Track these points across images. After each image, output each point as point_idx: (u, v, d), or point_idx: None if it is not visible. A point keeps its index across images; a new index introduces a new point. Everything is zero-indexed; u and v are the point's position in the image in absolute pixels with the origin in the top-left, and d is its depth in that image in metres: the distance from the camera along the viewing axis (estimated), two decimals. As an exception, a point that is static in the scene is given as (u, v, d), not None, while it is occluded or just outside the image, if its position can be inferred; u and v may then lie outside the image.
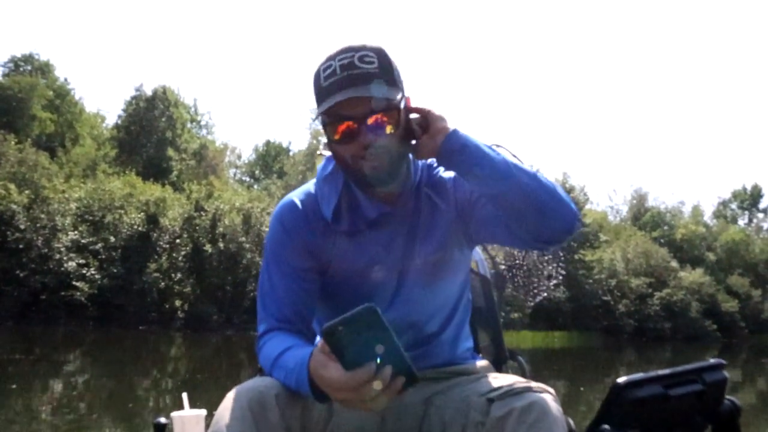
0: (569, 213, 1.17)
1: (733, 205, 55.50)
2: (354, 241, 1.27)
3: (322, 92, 1.17)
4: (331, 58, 1.17)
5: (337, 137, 1.18)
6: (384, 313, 0.97)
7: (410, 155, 1.29)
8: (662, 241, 40.54)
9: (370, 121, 1.15)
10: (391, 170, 1.18)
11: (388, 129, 1.16)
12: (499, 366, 1.70)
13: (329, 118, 1.17)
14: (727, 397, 1.25)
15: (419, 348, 1.32)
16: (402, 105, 1.20)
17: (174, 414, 2.05)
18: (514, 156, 1.22)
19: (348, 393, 0.97)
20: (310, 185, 1.32)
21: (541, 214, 1.16)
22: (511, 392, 1.11)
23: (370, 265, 1.27)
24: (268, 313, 1.25)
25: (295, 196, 1.31)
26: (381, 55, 1.17)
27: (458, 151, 1.15)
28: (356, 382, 0.95)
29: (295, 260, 1.26)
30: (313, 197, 1.29)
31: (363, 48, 1.17)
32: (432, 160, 1.34)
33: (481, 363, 1.42)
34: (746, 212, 55.26)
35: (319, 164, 1.35)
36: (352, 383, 0.95)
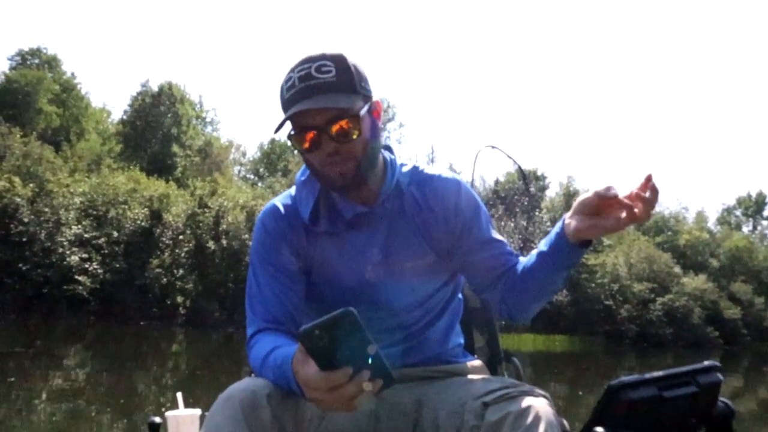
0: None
1: (738, 212, 55.33)
2: (335, 241, 1.29)
3: (284, 104, 1.20)
4: (292, 70, 1.20)
5: (305, 146, 1.20)
6: (369, 312, 0.97)
7: (390, 156, 1.33)
8: (665, 246, 40.41)
9: (333, 129, 1.17)
10: (358, 174, 1.21)
11: (353, 135, 1.18)
12: (494, 367, 1.70)
13: (294, 129, 1.20)
14: (721, 399, 1.25)
15: (406, 343, 1.33)
16: (366, 109, 1.21)
17: (168, 413, 2.05)
18: (509, 157, 1.23)
19: (322, 393, 0.97)
20: (292, 189, 1.36)
21: (535, 305, 1.31)
22: (506, 396, 1.11)
23: (353, 264, 1.29)
24: (256, 315, 1.27)
25: (278, 200, 1.35)
26: (339, 62, 1.19)
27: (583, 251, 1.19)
28: (331, 384, 0.96)
29: (280, 261, 1.29)
30: (294, 199, 1.33)
31: (322, 57, 1.18)
32: (417, 162, 1.37)
33: (474, 363, 1.42)
34: (750, 219, 55.09)
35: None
36: (327, 385, 0.96)
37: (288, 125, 1.21)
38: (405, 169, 1.34)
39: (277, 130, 1.21)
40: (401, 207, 1.30)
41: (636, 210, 1.08)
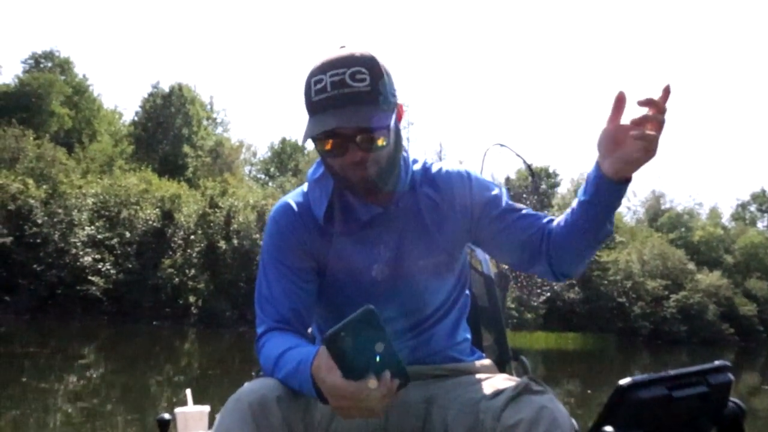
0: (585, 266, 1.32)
1: (752, 208, 54.74)
2: (350, 241, 1.28)
3: (311, 106, 1.16)
4: (323, 70, 1.14)
5: (327, 148, 1.18)
6: (381, 310, 0.98)
7: (404, 154, 1.30)
8: (679, 243, 40.10)
9: (361, 139, 1.15)
10: (380, 180, 1.19)
11: (379, 142, 1.16)
12: (502, 366, 1.70)
13: (319, 132, 1.17)
14: (732, 399, 1.23)
15: (414, 340, 1.32)
16: (393, 118, 1.19)
17: (177, 410, 2.05)
18: (518, 155, 1.22)
19: (349, 401, 0.99)
20: (304, 186, 1.33)
21: (587, 256, 1.26)
22: (520, 399, 1.10)
23: (368, 264, 1.27)
24: (266, 315, 1.26)
25: (290, 197, 1.32)
26: (374, 70, 1.14)
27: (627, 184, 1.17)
28: (360, 392, 0.97)
29: (292, 261, 1.27)
30: (306, 198, 1.30)
31: (355, 62, 1.13)
32: (427, 158, 1.35)
33: (483, 362, 1.41)
34: (765, 215, 54.50)
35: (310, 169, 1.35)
36: (355, 395, 0.98)
37: (307, 121, 1.18)
38: (416, 166, 1.33)
39: (305, 140, 1.17)
40: (415, 205, 1.29)
41: (649, 119, 1.08)
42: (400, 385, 1.00)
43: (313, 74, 1.16)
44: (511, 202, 1.33)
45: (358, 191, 1.22)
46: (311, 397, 1.07)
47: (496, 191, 1.32)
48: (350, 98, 1.12)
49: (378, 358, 0.97)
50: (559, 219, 1.27)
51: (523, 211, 1.31)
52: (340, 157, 1.16)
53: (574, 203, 1.21)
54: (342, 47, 1.17)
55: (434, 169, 1.33)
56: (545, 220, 1.30)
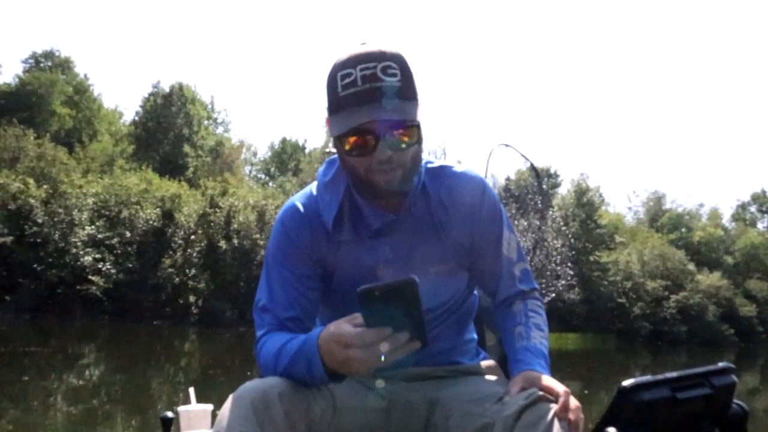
0: None
1: (752, 208, 54.69)
2: (359, 248, 1.25)
3: (339, 101, 1.12)
4: (351, 64, 1.10)
5: (348, 148, 1.14)
6: None
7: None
8: (679, 243, 40.06)
9: (392, 137, 1.11)
10: (404, 180, 1.16)
11: (409, 143, 1.13)
12: (505, 366, 1.70)
13: (346, 130, 1.14)
14: (735, 401, 1.23)
15: None
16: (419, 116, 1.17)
17: (181, 408, 2.05)
18: (523, 156, 1.23)
19: (355, 348, 0.98)
20: (313, 187, 1.30)
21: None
22: (534, 411, 1.09)
23: (376, 268, 1.26)
24: (264, 321, 1.23)
25: (298, 200, 1.28)
26: (402, 64, 1.12)
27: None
28: (370, 339, 0.97)
29: (298, 267, 1.24)
30: (315, 202, 1.27)
31: (384, 56, 1.10)
32: (444, 162, 1.33)
33: (487, 363, 1.42)
34: (765, 215, 54.45)
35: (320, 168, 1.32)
36: (362, 335, 0.97)
37: (329, 117, 1.15)
38: (431, 166, 1.30)
39: (340, 135, 1.13)
40: (427, 210, 1.26)
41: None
42: (420, 347, 0.99)
43: (339, 68, 1.12)
44: (501, 248, 1.32)
45: (379, 195, 1.17)
46: (317, 374, 1.06)
47: (500, 225, 1.32)
48: (382, 92, 1.09)
49: (402, 324, 0.97)
50: (505, 318, 1.34)
51: (506, 266, 1.33)
52: (366, 156, 1.13)
53: (512, 339, 1.29)
54: (363, 44, 1.14)
55: (448, 171, 1.30)
56: (511, 291, 1.35)
